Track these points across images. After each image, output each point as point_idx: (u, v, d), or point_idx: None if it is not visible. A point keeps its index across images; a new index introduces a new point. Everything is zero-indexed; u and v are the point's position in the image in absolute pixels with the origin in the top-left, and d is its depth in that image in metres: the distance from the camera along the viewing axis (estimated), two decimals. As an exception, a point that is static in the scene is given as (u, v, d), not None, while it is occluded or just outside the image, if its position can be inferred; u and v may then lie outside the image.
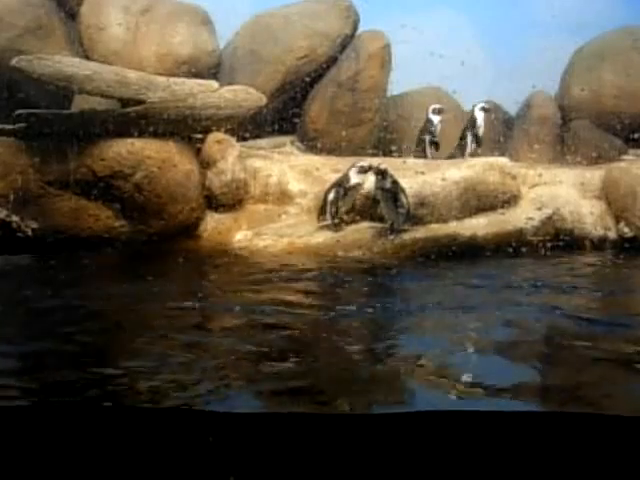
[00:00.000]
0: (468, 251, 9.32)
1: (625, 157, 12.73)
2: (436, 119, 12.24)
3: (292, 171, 10.69)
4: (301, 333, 5.11)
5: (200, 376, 4.09)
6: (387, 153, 11.68)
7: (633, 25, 14.16)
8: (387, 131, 12.61)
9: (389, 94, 12.87)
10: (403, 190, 9.24)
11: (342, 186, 9.58)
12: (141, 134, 9.83)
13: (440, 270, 8.44)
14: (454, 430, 3.40)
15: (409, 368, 4.31)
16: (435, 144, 12.18)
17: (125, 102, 10.07)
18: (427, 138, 12.19)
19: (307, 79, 12.58)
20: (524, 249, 9.58)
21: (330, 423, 3.51)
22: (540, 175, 10.73)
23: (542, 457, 3.27)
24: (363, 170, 9.58)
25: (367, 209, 9.80)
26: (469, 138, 12.06)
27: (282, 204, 10.38)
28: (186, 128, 10.32)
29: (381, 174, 9.22)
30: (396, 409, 3.70)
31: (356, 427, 3.48)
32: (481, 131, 12.17)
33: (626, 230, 10.38)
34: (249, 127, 11.40)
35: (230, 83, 11.48)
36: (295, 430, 3.47)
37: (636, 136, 12.85)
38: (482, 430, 3.41)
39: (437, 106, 12.34)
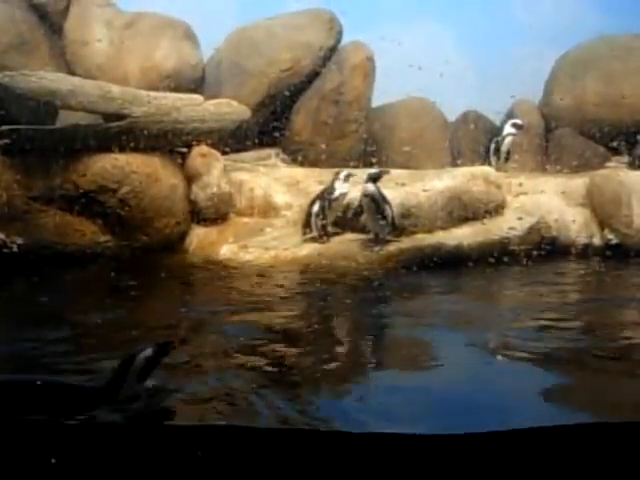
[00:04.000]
0: (453, 261, 9.32)
1: (608, 164, 12.78)
2: (508, 131, 12.45)
3: (277, 184, 10.72)
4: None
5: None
6: (371, 164, 11.67)
7: (613, 34, 14.24)
8: (371, 142, 12.60)
9: (373, 105, 12.84)
10: (387, 201, 9.25)
11: (326, 197, 9.60)
12: (125, 149, 9.81)
13: (422, 280, 8.49)
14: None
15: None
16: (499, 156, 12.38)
17: (109, 117, 10.05)
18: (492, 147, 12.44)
19: (291, 91, 12.56)
20: (509, 258, 9.61)
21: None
22: (521, 184, 10.77)
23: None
24: (348, 179, 9.62)
25: (349, 221, 9.82)
26: (500, 152, 12.33)
27: (267, 217, 10.40)
28: (170, 142, 10.34)
29: (373, 180, 9.25)
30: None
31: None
32: (506, 147, 12.36)
33: (611, 237, 10.43)
34: (233, 140, 11.37)
35: (214, 96, 11.48)
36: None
37: (615, 144, 12.94)
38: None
39: (517, 121, 12.57)
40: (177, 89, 11.69)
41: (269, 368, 4.74)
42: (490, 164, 11.98)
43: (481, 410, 4.02)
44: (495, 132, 12.96)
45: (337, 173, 9.83)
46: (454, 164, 12.28)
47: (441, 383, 4.58)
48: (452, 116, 13.78)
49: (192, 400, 4.11)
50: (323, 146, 12.09)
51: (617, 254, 10.10)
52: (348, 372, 4.83)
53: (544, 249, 9.92)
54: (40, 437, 3.52)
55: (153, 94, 10.46)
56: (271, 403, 4.00)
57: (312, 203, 9.74)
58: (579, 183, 10.98)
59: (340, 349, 5.55)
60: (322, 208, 9.57)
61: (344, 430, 3.69)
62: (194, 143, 10.49)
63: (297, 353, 5.21)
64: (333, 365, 4.90)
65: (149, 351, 4.02)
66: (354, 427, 3.70)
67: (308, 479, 3.35)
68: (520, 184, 10.76)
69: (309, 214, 9.73)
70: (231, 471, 3.33)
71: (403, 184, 10.03)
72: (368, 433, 3.63)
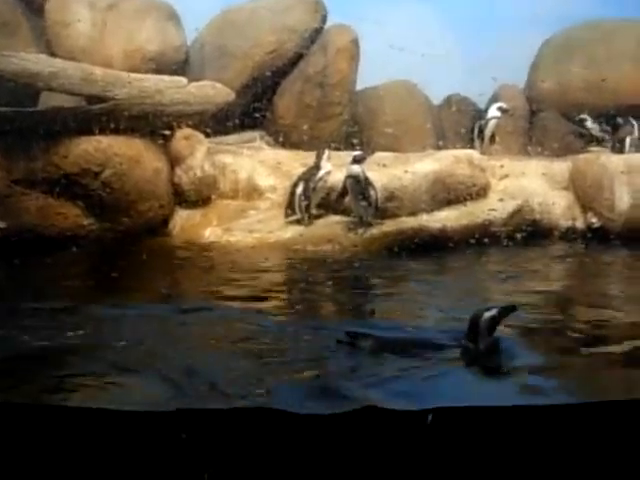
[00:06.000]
0: (438, 244, 9.32)
1: (592, 148, 12.81)
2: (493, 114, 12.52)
3: (261, 166, 10.69)
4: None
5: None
6: (355, 147, 11.63)
7: (598, 18, 14.28)
8: (355, 125, 12.58)
9: (357, 88, 12.81)
10: (371, 183, 9.23)
11: (310, 178, 9.57)
12: (108, 131, 9.75)
13: (404, 263, 8.51)
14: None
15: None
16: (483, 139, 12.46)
17: (91, 99, 9.99)
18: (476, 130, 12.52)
19: (275, 74, 12.52)
20: (493, 240, 9.64)
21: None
22: (502, 166, 10.80)
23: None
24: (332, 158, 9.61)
25: (333, 203, 9.79)
26: (484, 135, 12.41)
27: (252, 199, 10.37)
28: (154, 125, 10.26)
29: (358, 162, 9.24)
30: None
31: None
32: (490, 130, 12.42)
33: (593, 220, 10.47)
34: (217, 123, 11.32)
35: (198, 79, 11.40)
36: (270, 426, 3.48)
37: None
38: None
39: (502, 105, 12.63)
40: (160, 71, 11.57)
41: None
42: (474, 147, 12.01)
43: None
44: (479, 115, 12.98)
45: (319, 152, 9.81)
46: (438, 147, 12.25)
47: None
48: (437, 99, 13.78)
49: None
50: (307, 128, 12.06)
51: (599, 237, 10.16)
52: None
53: (527, 232, 9.97)
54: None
55: (136, 76, 10.38)
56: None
57: (295, 184, 9.70)
58: (562, 166, 11.01)
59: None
60: (306, 189, 9.54)
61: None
62: (177, 126, 10.43)
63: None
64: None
65: (494, 311, 4.62)
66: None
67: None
68: (501, 166, 10.79)
69: (292, 195, 9.69)
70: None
71: (385, 165, 10.03)
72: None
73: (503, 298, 6.32)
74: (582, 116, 12.94)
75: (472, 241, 9.41)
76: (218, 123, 11.40)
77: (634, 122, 12.40)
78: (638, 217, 10.27)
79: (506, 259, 9.03)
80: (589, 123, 12.88)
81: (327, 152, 9.77)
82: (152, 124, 10.24)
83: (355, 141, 11.48)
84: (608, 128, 12.73)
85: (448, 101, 13.83)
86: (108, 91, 9.92)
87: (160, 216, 10.10)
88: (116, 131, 9.79)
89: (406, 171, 9.86)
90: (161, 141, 10.36)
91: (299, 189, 9.57)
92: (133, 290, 7.08)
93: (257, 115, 12.34)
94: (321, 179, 9.53)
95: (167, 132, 10.42)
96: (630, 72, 13.41)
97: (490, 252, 9.34)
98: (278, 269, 8.41)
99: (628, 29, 13.89)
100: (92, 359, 4.46)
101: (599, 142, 12.74)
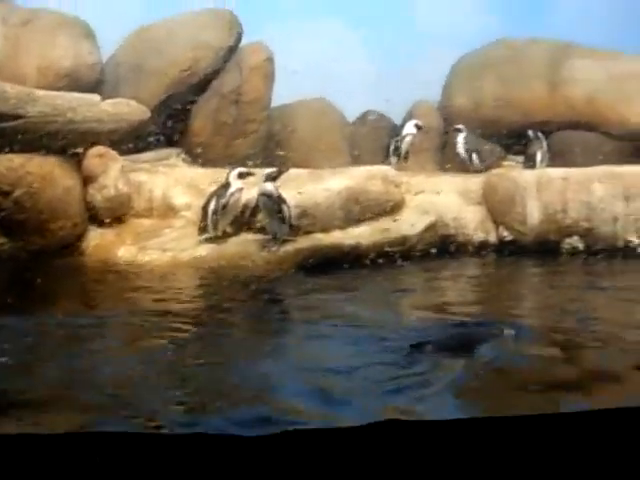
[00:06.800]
0: (351, 260, 9.38)
1: (505, 163, 13.09)
2: (408, 131, 12.71)
3: (176, 184, 10.67)
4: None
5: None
6: (271, 164, 11.68)
7: (509, 37, 14.59)
8: (271, 143, 12.64)
9: (273, 105, 12.87)
10: (284, 200, 9.27)
11: (222, 195, 9.56)
12: (21, 150, 9.62)
13: (315, 280, 8.56)
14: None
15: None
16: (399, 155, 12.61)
17: (3, 117, 9.86)
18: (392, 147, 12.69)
19: (191, 91, 12.52)
20: (409, 256, 9.78)
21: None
22: (416, 184, 10.97)
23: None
24: (243, 175, 9.65)
25: (247, 221, 9.81)
26: (399, 151, 12.62)
27: (167, 218, 10.33)
28: (67, 143, 10.15)
29: (271, 179, 9.28)
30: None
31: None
32: (406, 146, 12.64)
33: (505, 234, 10.70)
34: (133, 140, 11.27)
35: (114, 96, 11.34)
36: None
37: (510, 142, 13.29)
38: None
39: (418, 122, 12.85)
40: (75, 89, 11.47)
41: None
42: (390, 163, 12.15)
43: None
44: (396, 132, 13.13)
45: (230, 170, 9.82)
46: (354, 163, 12.35)
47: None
48: (353, 116, 13.91)
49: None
50: (223, 146, 12.09)
51: (512, 251, 10.39)
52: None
53: (442, 246, 10.15)
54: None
55: (48, 93, 10.27)
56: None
57: (208, 202, 9.67)
58: (475, 182, 11.21)
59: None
60: (218, 206, 9.52)
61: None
62: (91, 143, 10.36)
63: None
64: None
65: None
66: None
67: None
68: (412, 183, 10.95)
69: (205, 213, 9.67)
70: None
71: (301, 183, 10.08)
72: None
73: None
74: (458, 126, 13.00)
75: (387, 257, 9.52)
76: (134, 140, 11.35)
77: (542, 137, 12.71)
78: (548, 230, 10.56)
79: (415, 274, 9.17)
80: (460, 138, 12.89)
81: (238, 169, 9.78)
82: (65, 142, 10.14)
83: (270, 158, 11.54)
84: (478, 151, 12.82)
85: (363, 118, 13.96)
86: (20, 108, 9.79)
87: (73, 235, 9.99)
88: (28, 149, 9.68)
89: (322, 189, 9.93)
90: (74, 159, 10.27)
91: (211, 206, 9.55)
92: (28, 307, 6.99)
93: (173, 132, 12.32)
94: (232, 196, 9.52)
95: (80, 150, 10.33)
96: (540, 90, 13.75)
97: (404, 268, 9.44)
98: (186, 286, 8.37)
99: (538, 48, 14.24)
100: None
101: (464, 163, 12.76)
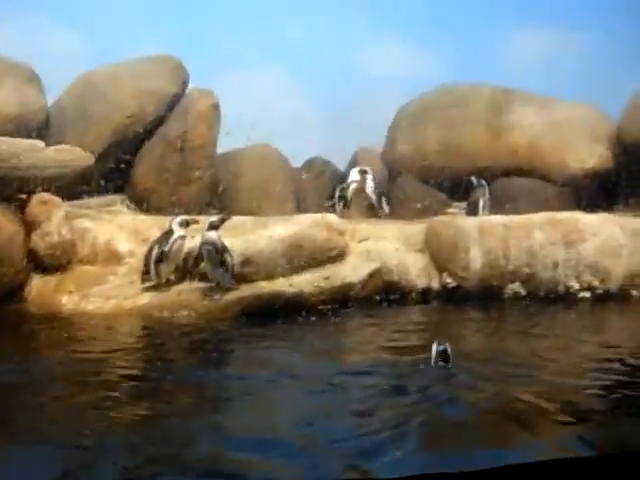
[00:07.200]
0: (295, 308, 9.32)
1: (450, 210, 13.22)
2: (353, 177, 12.71)
3: (120, 231, 10.64)
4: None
5: None
6: (216, 211, 11.68)
7: (451, 83, 14.83)
8: (216, 189, 12.65)
9: (219, 152, 12.92)
10: (227, 249, 9.29)
11: (164, 243, 9.56)
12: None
13: (257, 330, 8.53)
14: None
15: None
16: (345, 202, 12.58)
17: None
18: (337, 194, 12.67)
19: (136, 138, 12.53)
20: (352, 303, 9.81)
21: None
22: (360, 231, 11.03)
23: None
24: (186, 223, 9.66)
25: (189, 269, 9.78)
26: (345, 198, 12.63)
27: (110, 265, 10.28)
28: (10, 189, 10.14)
29: (214, 227, 9.28)
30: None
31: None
32: (351, 193, 12.66)
33: (449, 280, 10.73)
34: (78, 186, 11.23)
35: (59, 142, 11.34)
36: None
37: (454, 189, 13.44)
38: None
39: (364, 168, 12.85)
40: (19, 134, 11.44)
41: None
42: (335, 210, 12.20)
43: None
44: (341, 179, 13.20)
45: (173, 218, 9.84)
46: (299, 210, 12.42)
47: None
48: (298, 162, 14.01)
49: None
50: (167, 193, 12.09)
51: (455, 297, 10.46)
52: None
53: (386, 294, 10.18)
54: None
55: (-7, 139, 10.26)
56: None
57: (150, 249, 9.67)
58: (418, 229, 11.27)
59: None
60: (160, 254, 9.52)
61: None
62: (35, 190, 10.32)
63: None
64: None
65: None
66: None
67: None
68: (355, 230, 11.02)
69: (147, 260, 9.66)
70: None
71: (245, 231, 10.10)
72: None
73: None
74: (364, 168, 13.03)
75: (330, 305, 9.53)
76: (78, 186, 11.31)
77: (485, 183, 12.87)
78: (491, 276, 10.64)
79: (356, 322, 9.19)
80: (369, 180, 12.87)
81: (181, 217, 9.81)
82: (8, 188, 10.10)
83: (215, 206, 11.56)
84: (387, 195, 12.97)
85: (309, 164, 14.07)
86: (-38, 154, 9.77)
87: (15, 282, 9.93)
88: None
89: (265, 237, 9.95)
90: (17, 205, 10.23)
91: (153, 254, 9.56)
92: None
93: (118, 179, 12.31)
94: (174, 243, 9.53)
95: (23, 196, 10.29)
96: (483, 135, 13.99)
97: (347, 315, 9.45)
98: (126, 338, 8.29)
99: (479, 94, 14.51)
100: None
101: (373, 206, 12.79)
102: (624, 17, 17.86)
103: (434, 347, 6.08)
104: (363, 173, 12.85)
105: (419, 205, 13.06)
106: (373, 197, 12.81)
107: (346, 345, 8.13)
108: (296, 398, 5.54)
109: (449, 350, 6.03)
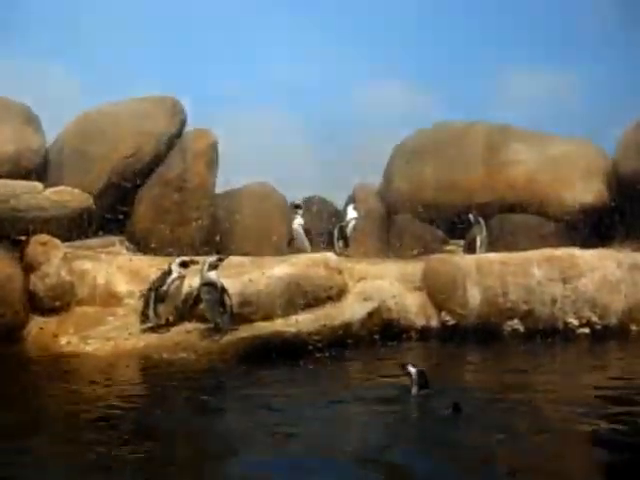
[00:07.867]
0: (294, 348, 9.23)
1: (447, 247, 13.23)
2: (351, 215, 12.74)
3: (120, 272, 10.66)
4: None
5: None
6: (213, 251, 11.70)
7: (446, 121, 14.91)
8: (215, 229, 12.66)
9: (217, 191, 12.95)
10: (226, 290, 9.29)
11: (163, 284, 9.58)
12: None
13: (255, 371, 8.45)
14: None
15: None
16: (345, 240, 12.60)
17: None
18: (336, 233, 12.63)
19: (135, 178, 12.57)
20: (352, 342, 9.77)
21: None
22: (359, 270, 11.04)
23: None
24: (185, 264, 9.67)
25: (189, 310, 9.76)
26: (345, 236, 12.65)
27: (110, 305, 10.30)
28: (9, 230, 10.18)
29: (212, 268, 9.29)
30: None
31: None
32: (351, 231, 12.72)
33: (448, 318, 10.73)
34: (77, 227, 11.26)
35: (57, 181, 11.40)
36: None
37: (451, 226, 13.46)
38: None
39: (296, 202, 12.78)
40: (18, 175, 11.52)
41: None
42: (335, 249, 12.19)
43: None
44: (339, 217, 13.21)
45: (172, 261, 9.87)
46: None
47: None
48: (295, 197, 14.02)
49: None
50: (166, 233, 12.11)
51: (454, 335, 10.44)
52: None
53: (385, 333, 10.17)
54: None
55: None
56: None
57: (149, 290, 9.69)
58: (416, 267, 11.30)
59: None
60: (159, 295, 9.54)
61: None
62: (33, 231, 10.36)
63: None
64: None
65: None
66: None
67: None
68: (354, 269, 11.05)
69: (147, 301, 9.66)
70: None
71: (243, 271, 10.11)
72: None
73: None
74: (297, 202, 12.81)
75: (329, 344, 9.48)
76: (77, 227, 11.34)
77: (482, 221, 12.87)
78: (489, 314, 10.66)
79: (355, 363, 9.14)
80: (298, 217, 12.56)
81: (180, 259, 9.82)
82: (7, 230, 10.15)
83: (213, 245, 11.56)
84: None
85: (306, 203, 14.07)
86: (-39, 196, 9.81)
87: (14, 323, 9.98)
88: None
89: (264, 277, 9.94)
90: (16, 247, 10.26)
91: (152, 295, 9.57)
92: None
93: (117, 219, 12.33)
94: (173, 283, 9.54)
95: (22, 237, 10.33)
96: (479, 171, 14.05)
97: (346, 355, 9.40)
98: (126, 381, 8.19)
99: (474, 131, 14.59)
100: None
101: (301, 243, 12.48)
102: (620, 51, 18.01)
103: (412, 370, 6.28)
104: (296, 207, 12.60)
105: (415, 250, 13.05)
106: (300, 232, 12.46)
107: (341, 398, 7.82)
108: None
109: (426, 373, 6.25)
